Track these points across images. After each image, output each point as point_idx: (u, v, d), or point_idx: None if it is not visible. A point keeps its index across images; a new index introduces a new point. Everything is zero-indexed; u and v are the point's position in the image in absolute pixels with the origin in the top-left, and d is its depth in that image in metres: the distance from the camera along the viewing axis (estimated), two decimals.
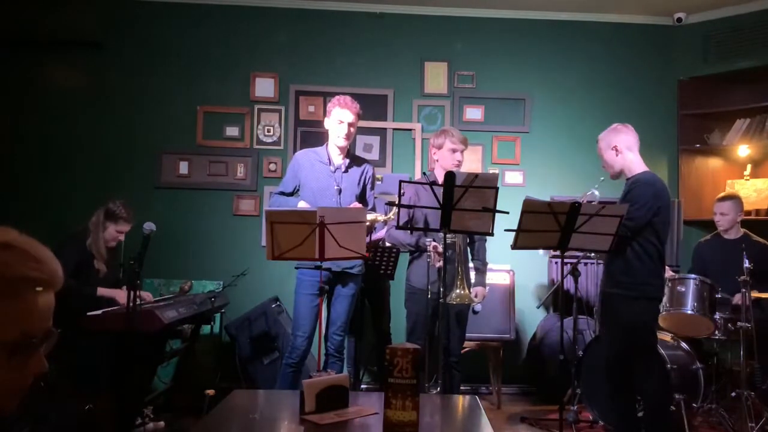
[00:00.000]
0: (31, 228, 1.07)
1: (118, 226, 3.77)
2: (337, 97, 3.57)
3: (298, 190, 3.62)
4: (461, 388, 3.87)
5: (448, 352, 3.49)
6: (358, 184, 3.61)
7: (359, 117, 3.59)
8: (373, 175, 3.72)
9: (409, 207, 3.51)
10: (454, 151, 3.59)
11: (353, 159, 3.67)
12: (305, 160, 3.61)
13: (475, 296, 3.62)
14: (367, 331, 4.42)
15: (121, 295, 3.63)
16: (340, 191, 3.52)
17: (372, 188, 3.73)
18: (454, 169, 3.51)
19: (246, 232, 5.11)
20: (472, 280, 3.68)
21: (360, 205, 3.44)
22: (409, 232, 3.61)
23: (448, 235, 3.17)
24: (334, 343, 3.57)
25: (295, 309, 3.55)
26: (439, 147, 3.64)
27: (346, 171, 3.59)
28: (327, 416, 2.11)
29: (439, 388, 3.42)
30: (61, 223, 4.58)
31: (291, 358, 3.48)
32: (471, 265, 3.72)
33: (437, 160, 3.68)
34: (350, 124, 3.52)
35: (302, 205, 3.46)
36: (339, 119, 3.51)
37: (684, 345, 3.97)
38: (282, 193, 3.62)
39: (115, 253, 3.87)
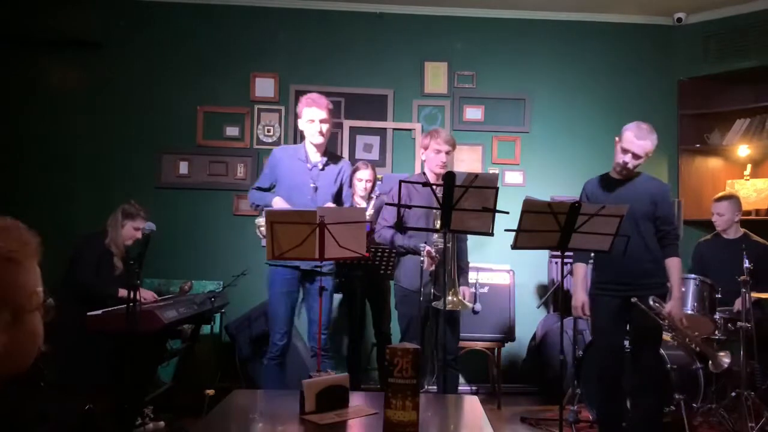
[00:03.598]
0: (31, 228, 1.07)
1: (135, 223, 3.96)
2: (305, 95, 3.54)
3: (274, 186, 3.59)
4: (461, 388, 3.87)
5: (444, 351, 3.49)
6: (335, 182, 3.59)
7: (331, 111, 3.54)
8: (352, 173, 3.69)
9: (408, 207, 3.51)
10: (438, 152, 3.58)
11: (331, 157, 3.63)
12: (283, 156, 3.58)
13: (464, 297, 3.62)
14: (367, 331, 4.42)
15: (146, 294, 3.85)
16: (316, 189, 3.49)
17: (350, 186, 3.72)
18: (438, 170, 3.53)
19: (246, 232, 5.09)
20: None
21: (333, 204, 3.43)
22: (403, 233, 3.60)
23: (439, 239, 3.18)
24: (319, 341, 3.56)
25: (270, 308, 3.54)
26: (426, 147, 3.66)
27: (323, 169, 3.56)
28: (327, 416, 2.11)
29: (436, 388, 3.42)
30: (61, 223, 4.59)
31: (272, 353, 3.51)
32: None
33: (425, 161, 3.71)
34: (322, 121, 3.48)
35: (277, 201, 3.44)
36: (309, 118, 3.47)
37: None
38: (259, 188, 3.60)
39: (129, 252, 3.99)
